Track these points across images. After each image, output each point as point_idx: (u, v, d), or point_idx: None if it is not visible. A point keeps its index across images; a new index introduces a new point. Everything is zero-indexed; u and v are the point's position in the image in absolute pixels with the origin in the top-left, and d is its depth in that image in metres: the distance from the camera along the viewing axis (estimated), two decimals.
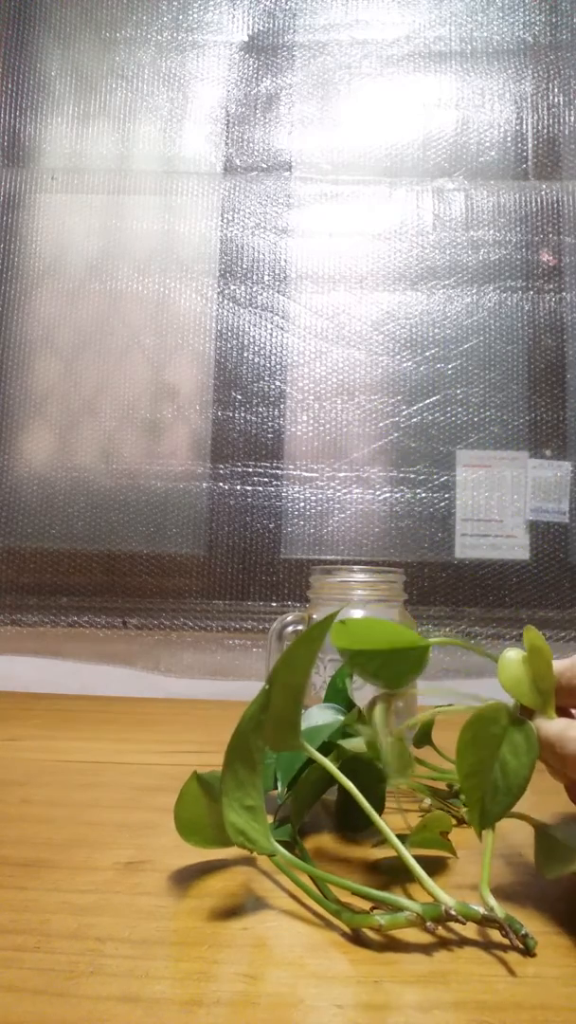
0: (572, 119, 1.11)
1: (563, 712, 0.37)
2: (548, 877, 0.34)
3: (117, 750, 0.64)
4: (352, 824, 0.44)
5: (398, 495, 1.03)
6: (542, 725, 0.35)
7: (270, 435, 1.06)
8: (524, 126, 1.11)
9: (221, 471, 1.05)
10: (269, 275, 1.09)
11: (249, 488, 1.04)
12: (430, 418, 1.05)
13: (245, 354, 1.07)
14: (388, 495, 1.04)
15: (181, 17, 1.15)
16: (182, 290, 1.10)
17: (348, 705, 0.49)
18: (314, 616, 0.61)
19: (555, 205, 1.08)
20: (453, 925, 0.31)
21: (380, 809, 0.41)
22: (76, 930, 0.31)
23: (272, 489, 1.04)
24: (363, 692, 0.58)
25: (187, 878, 0.37)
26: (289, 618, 0.65)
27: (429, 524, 1.03)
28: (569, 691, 0.36)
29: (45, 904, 0.34)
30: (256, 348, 1.07)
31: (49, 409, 1.09)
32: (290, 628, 0.64)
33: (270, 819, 0.38)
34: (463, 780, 0.34)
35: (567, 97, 1.11)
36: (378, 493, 1.04)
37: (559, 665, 0.37)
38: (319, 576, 0.63)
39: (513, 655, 0.37)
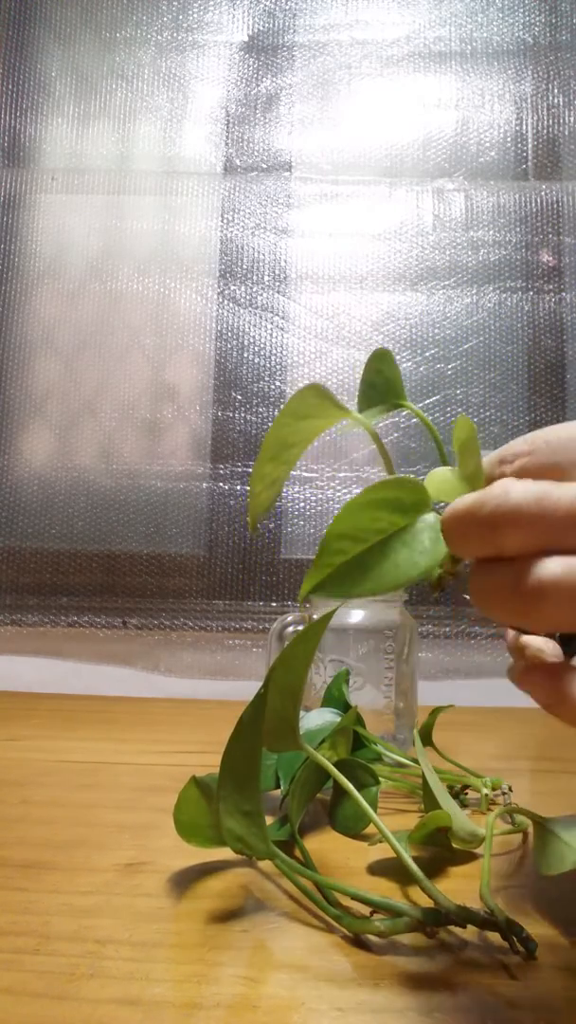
0: (572, 120, 1.11)
1: None
2: (548, 874, 0.34)
3: (117, 750, 0.64)
4: (346, 825, 0.44)
5: None
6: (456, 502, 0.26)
7: None
8: (524, 126, 1.11)
9: (221, 471, 1.05)
10: (269, 275, 1.09)
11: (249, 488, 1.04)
12: (430, 418, 1.05)
13: (245, 354, 1.07)
14: None
15: (181, 17, 1.15)
16: (182, 290, 1.09)
17: (345, 710, 0.49)
18: (314, 616, 0.61)
19: (555, 205, 1.08)
20: (454, 928, 0.31)
21: (373, 809, 0.41)
22: (76, 932, 0.31)
23: None
24: (361, 693, 0.58)
25: (187, 880, 0.37)
26: (289, 618, 0.65)
27: None
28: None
29: (45, 906, 0.34)
30: (256, 348, 1.07)
31: (49, 409, 1.09)
32: (290, 628, 0.64)
33: (270, 820, 0.38)
34: (330, 536, 0.26)
35: (567, 98, 1.11)
36: None
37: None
38: None
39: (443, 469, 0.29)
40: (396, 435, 1.05)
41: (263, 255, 1.09)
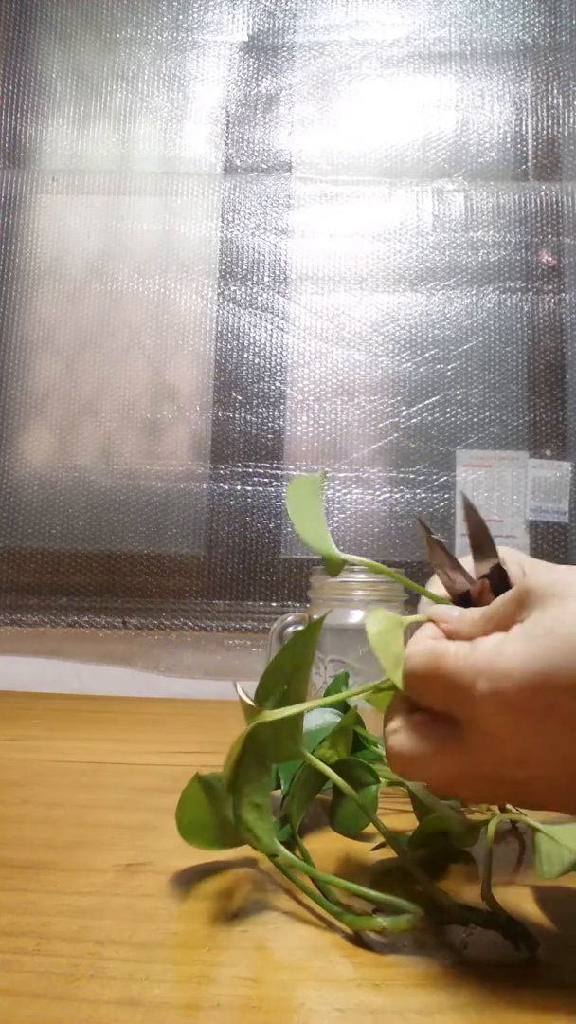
0: (572, 120, 1.11)
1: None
2: (547, 878, 0.34)
3: (117, 750, 0.64)
4: (346, 825, 0.44)
5: (398, 495, 1.03)
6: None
7: (270, 435, 1.06)
8: (524, 127, 1.11)
9: (221, 471, 1.05)
10: (269, 276, 1.09)
11: (249, 488, 1.04)
12: (430, 418, 1.05)
13: (245, 355, 1.07)
14: (388, 495, 1.04)
15: (181, 17, 1.15)
16: (182, 291, 1.09)
17: (345, 710, 0.49)
18: (314, 616, 0.60)
19: (555, 206, 1.08)
20: (455, 927, 0.31)
21: (373, 809, 0.41)
22: (76, 933, 0.31)
23: (272, 489, 1.04)
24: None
25: (188, 880, 0.37)
26: (289, 618, 0.65)
27: (429, 524, 1.03)
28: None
29: (45, 906, 0.34)
30: (256, 349, 1.07)
31: (49, 409, 1.09)
32: (290, 628, 0.64)
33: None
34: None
35: (566, 98, 1.11)
36: (378, 493, 1.04)
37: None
38: (319, 576, 0.63)
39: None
40: (396, 435, 1.05)
41: (263, 256, 1.09)
